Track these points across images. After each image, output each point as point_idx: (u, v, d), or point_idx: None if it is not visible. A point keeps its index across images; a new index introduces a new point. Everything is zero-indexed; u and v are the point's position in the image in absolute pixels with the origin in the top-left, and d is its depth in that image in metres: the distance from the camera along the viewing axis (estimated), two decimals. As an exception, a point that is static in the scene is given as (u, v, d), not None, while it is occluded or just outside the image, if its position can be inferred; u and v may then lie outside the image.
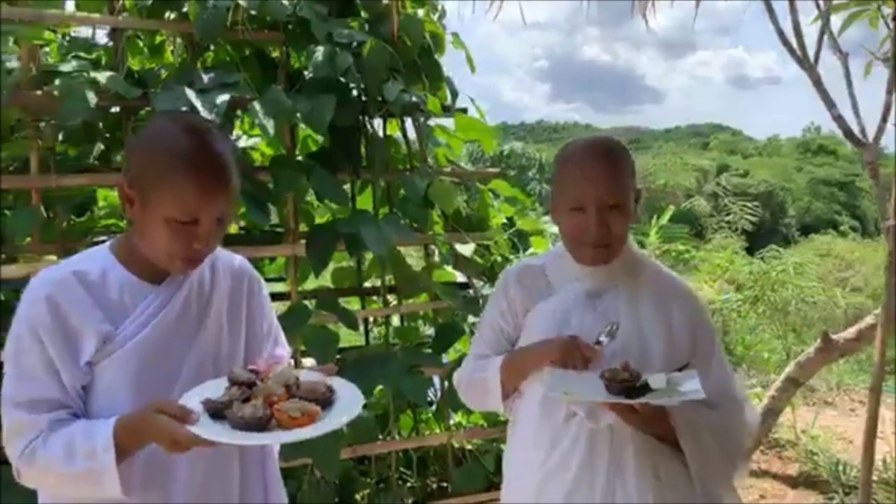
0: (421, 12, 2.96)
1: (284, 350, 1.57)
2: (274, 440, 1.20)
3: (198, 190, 1.19)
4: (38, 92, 2.36)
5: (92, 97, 2.27)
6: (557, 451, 1.41)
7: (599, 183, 1.37)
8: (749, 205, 16.07)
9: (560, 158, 1.46)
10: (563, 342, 1.38)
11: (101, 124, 2.61)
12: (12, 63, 2.43)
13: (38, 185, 2.41)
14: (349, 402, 1.22)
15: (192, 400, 1.18)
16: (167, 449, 1.16)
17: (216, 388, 1.21)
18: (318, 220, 3.10)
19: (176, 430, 1.12)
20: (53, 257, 2.63)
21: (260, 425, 1.13)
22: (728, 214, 15.35)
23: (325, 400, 1.21)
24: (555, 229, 3.22)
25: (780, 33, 2.41)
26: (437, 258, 2.99)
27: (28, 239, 2.45)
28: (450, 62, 3.07)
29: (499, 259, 3.04)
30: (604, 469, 1.37)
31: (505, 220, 3.24)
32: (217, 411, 1.16)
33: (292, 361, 1.75)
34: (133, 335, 1.25)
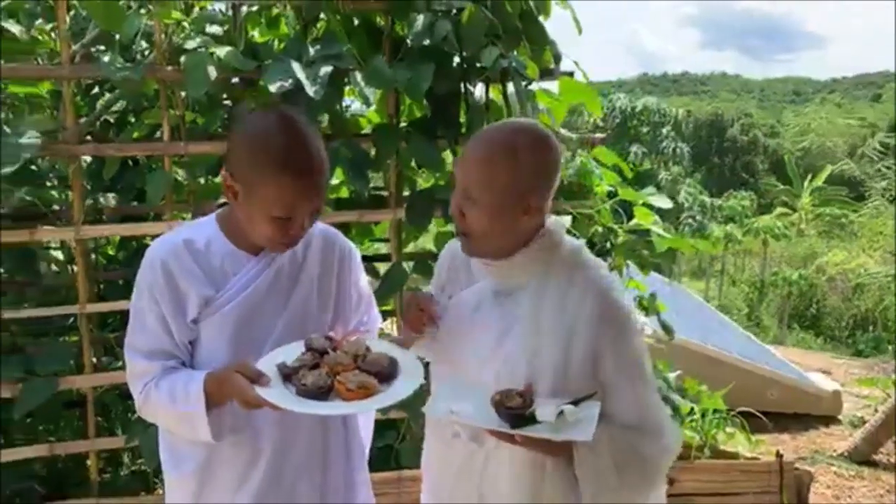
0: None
1: (375, 317, 1.67)
2: (325, 410, 1.25)
3: (294, 193, 1.32)
4: (169, 67, 2.61)
5: (212, 70, 2.47)
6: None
7: (465, 167, 1.29)
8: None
9: None
10: (405, 300, 1.38)
11: (223, 95, 2.84)
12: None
13: (170, 152, 2.68)
14: (408, 379, 1.29)
15: (271, 362, 1.30)
16: (240, 406, 1.30)
17: (294, 351, 1.33)
18: (423, 185, 3.19)
19: (247, 390, 1.26)
20: (188, 215, 2.96)
21: (320, 394, 1.23)
22: (884, 179, 13.71)
23: (387, 374, 1.29)
24: (662, 203, 3.09)
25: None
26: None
27: (163, 199, 2.75)
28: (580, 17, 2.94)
29: (599, 229, 2.97)
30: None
31: (610, 189, 3.15)
32: (287, 375, 1.28)
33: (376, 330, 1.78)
34: (231, 300, 1.41)
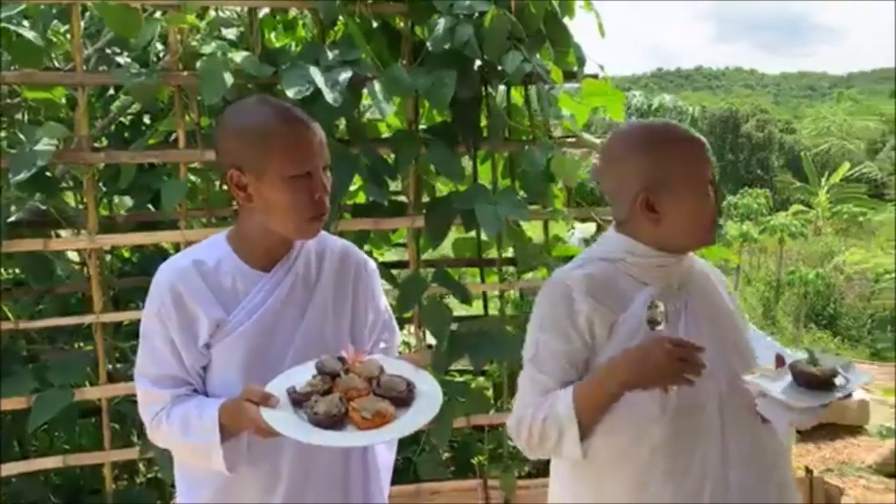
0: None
1: (394, 336, 1.59)
2: (339, 441, 1.17)
3: (304, 144, 1.29)
4: (185, 72, 2.56)
5: (228, 77, 2.41)
6: (647, 493, 1.29)
7: (709, 162, 1.38)
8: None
9: (661, 139, 1.34)
10: (666, 351, 1.17)
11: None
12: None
13: (185, 159, 2.63)
14: (426, 404, 1.21)
15: (280, 387, 1.23)
16: (255, 434, 1.23)
17: (305, 374, 1.25)
18: (443, 191, 3.13)
19: (259, 420, 1.19)
20: (203, 220, 2.92)
21: (333, 423, 1.16)
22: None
23: (404, 399, 1.22)
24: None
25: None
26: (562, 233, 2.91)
27: (178, 206, 2.70)
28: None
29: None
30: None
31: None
32: (297, 401, 1.21)
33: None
34: (243, 321, 1.34)
